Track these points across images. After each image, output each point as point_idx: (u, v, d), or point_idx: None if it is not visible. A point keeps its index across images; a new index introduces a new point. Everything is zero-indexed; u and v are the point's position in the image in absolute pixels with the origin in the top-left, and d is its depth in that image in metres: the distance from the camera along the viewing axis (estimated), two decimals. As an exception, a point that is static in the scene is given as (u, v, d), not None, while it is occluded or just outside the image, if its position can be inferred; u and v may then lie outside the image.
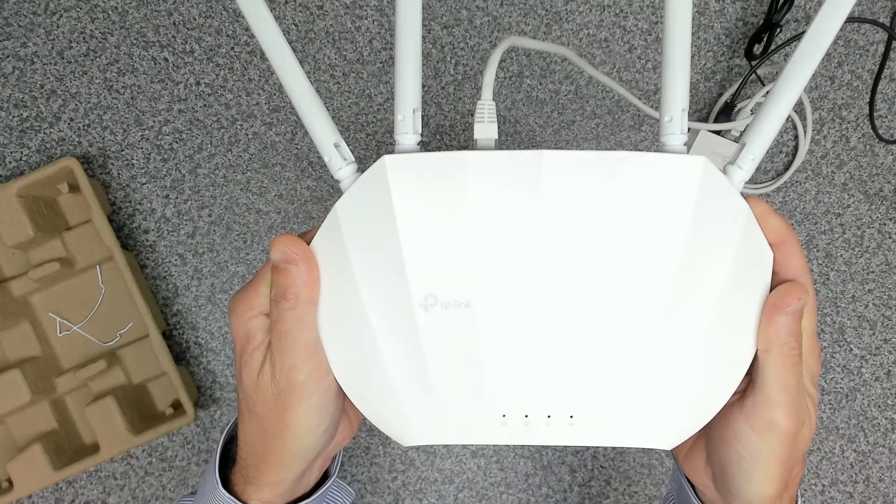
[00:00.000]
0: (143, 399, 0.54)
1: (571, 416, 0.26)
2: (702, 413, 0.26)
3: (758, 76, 0.54)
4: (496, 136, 0.27)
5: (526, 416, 0.26)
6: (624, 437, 0.26)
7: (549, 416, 0.26)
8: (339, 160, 0.26)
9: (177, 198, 0.55)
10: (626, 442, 0.26)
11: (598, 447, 0.56)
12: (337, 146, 0.26)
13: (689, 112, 0.56)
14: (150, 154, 0.55)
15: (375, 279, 0.25)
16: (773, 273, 0.25)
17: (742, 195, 0.25)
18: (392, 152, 0.25)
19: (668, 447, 0.26)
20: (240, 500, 0.28)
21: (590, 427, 0.26)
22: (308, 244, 0.26)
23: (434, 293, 0.25)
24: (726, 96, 0.54)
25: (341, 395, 0.28)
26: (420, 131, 0.26)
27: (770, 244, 0.25)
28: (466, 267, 0.24)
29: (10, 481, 0.50)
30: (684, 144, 0.25)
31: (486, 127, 0.28)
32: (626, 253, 0.24)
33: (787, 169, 0.56)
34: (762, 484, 0.26)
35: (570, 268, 0.24)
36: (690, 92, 0.56)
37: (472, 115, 0.55)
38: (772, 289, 0.25)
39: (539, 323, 0.25)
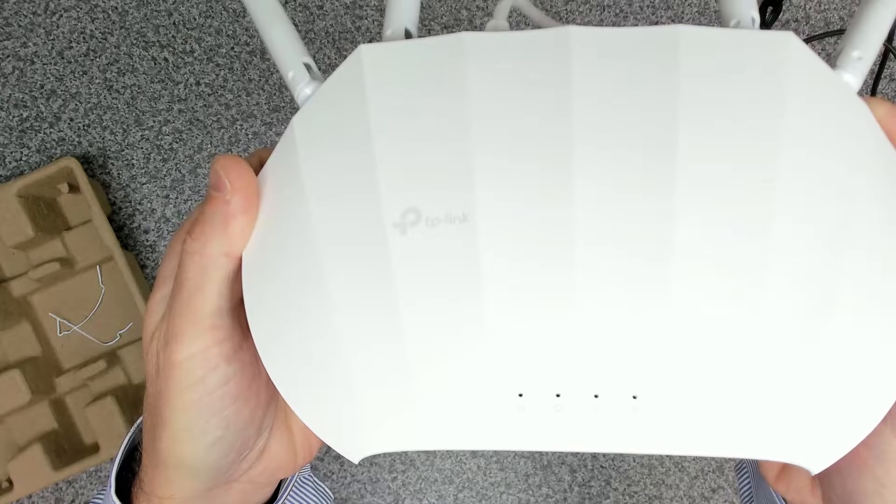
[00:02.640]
0: (143, 399, 0.54)
1: (635, 397, 0.15)
2: (862, 419, 0.16)
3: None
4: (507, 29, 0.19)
5: (557, 395, 0.15)
6: (725, 445, 0.16)
7: (595, 396, 0.15)
8: (304, 76, 0.19)
9: (177, 198, 0.55)
10: (732, 451, 0.16)
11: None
12: (308, 66, 0.19)
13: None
14: (150, 154, 0.55)
15: (334, 204, 0.17)
16: None
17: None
18: None
19: (815, 469, 0.16)
20: None
21: (663, 419, 0.15)
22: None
23: (415, 206, 0.16)
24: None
25: (253, 397, 0.20)
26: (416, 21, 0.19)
27: None
28: (465, 169, 0.16)
29: (10, 481, 0.50)
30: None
31: (497, 23, 0.20)
32: (718, 152, 0.16)
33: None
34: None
35: (615, 178, 0.15)
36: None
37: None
38: None
39: (579, 246, 0.15)
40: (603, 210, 0.15)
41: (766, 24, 0.50)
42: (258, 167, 0.19)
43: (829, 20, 0.56)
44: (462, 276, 0.16)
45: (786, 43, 0.17)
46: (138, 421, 0.23)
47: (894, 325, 0.16)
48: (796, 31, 0.55)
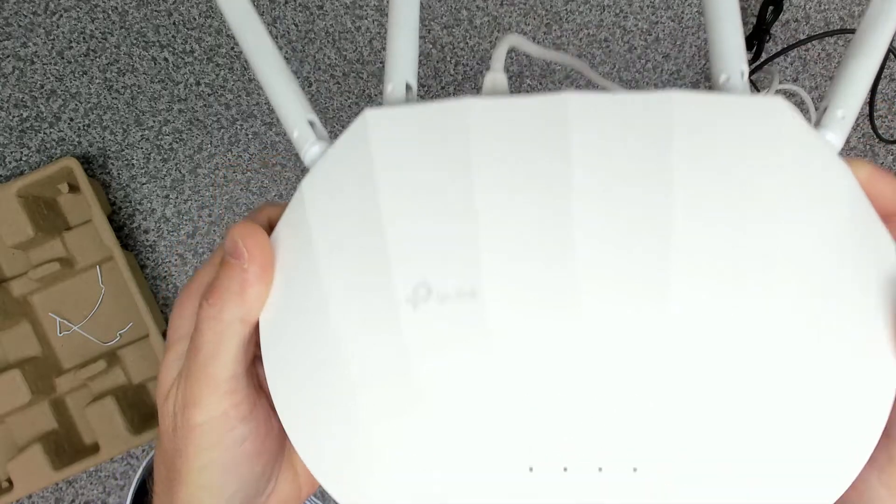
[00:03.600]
0: (143, 399, 0.54)
1: (635, 470, 0.16)
2: (844, 469, 0.17)
3: (752, 83, 0.54)
4: (506, 86, 0.21)
5: (565, 469, 0.16)
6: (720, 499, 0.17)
7: (600, 469, 0.16)
8: (310, 136, 0.19)
9: (177, 198, 0.55)
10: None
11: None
12: (311, 124, 0.20)
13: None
14: (150, 154, 0.55)
15: (346, 273, 0.17)
16: None
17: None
18: None
19: None
20: None
21: (658, 483, 0.16)
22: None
23: (426, 280, 0.17)
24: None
25: (266, 451, 0.20)
26: (415, 84, 0.20)
27: (884, 218, 0.18)
28: (472, 242, 0.16)
29: (10, 481, 0.50)
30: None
31: (495, 76, 0.21)
32: (703, 226, 0.16)
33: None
34: None
35: (615, 242, 0.16)
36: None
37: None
38: None
39: (581, 324, 0.16)
40: (605, 287, 0.16)
41: (767, 24, 0.50)
42: (266, 225, 0.20)
43: (829, 20, 0.56)
44: (472, 353, 0.16)
45: (773, 111, 0.17)
46: (145, 462, 0.24)
47: (869, 374, 0.17)
48: (796, 31, 0.55)
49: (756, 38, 0.52)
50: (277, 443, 0.21)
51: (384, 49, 0.55)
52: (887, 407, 0.17)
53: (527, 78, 0.56)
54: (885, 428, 0.18)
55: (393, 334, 0.17)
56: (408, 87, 0.19)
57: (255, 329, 0.19)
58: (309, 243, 0.18)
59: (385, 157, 0.17)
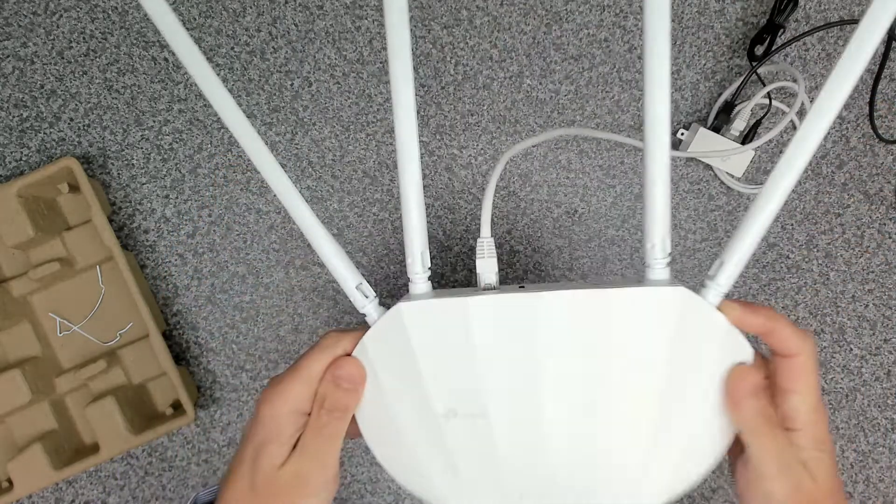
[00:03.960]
0: (143, 399, 0.54)
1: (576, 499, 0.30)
2: (681, 484, 0.30)
3: (758, 76, 0.54)
4: (496, 270, 0.34)
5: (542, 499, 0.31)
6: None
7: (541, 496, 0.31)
8: (361, 299, 0.30)
9: (177, 198, 0.55)
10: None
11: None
12: (358, 286, 0.30)
13: (688, 111, 0.56)
14: (150, 154, 0.55)
15: (403, 395, 0.30)
16: (775, 355, 0.28)
17: (724, 298, 0.29)
18: (406, 291, 0.34)
19: None
20: None
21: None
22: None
23: (453, 408, 0.30)
24: (726, 95, 0.54)
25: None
26: (429, 265, 0.31)
27: (760, 335, 0.28)
28: (478, 386, 0.29)
29: (10, 481, 0.50)
30: (667, 266, 0.29)
31: (486, 262, 0.34)
32: (614, 373, 0.28)
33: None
34: None
35: (566, 387, 0.29)
36: (691, 92, 0.56)
37: (471, 114, 0.55)
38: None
39: (542, 427, 0.29)
40: (552, 416, 0.30)
41: (784, 17, 0.51)
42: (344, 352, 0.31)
43: (829, 20, 0.56)
44: (485, 444, 0.30)
45: (675, 299, 0.28)
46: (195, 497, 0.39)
47: (695, 440, 0.29)
48: (795, 30, 0.55)
49: (768, 32, 0.52)
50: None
51: (384, 49, 0.55)
52: (718, 451, 0.29)
53: (526, 77, 0.56)
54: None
55: (438, 434, 0.30)
56: (422, 253, 0.30)
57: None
58: (379, 385, 0.30)
59: (417, 338, 0.29)
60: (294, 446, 0.30)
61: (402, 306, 0.29)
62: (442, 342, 0.29)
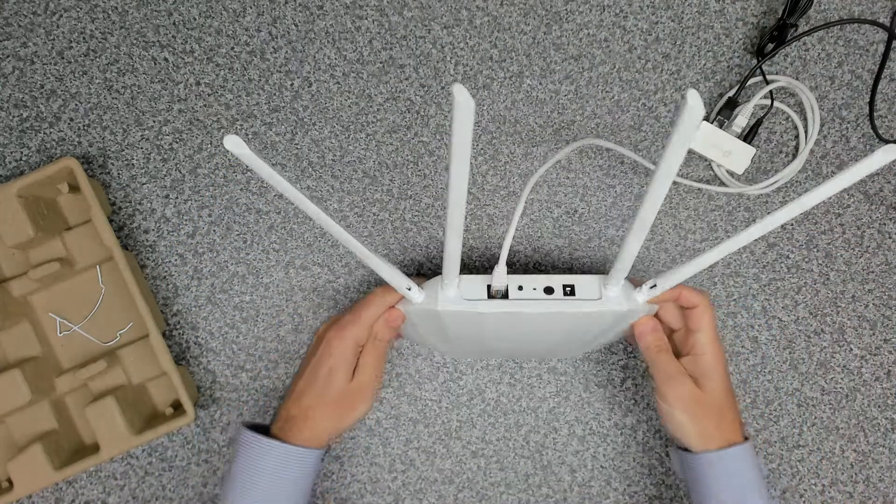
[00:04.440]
0: (143, 399, 0.54)
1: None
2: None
3: (762, 72, 0.54)
4: (506, 283, 0.42)
5: (516, 363, 0.55)
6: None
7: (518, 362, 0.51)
8: (411, 294, 0.42)
9: (177, 198, 0.55)
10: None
11: (597, 450, 0.56)
12: (409, 288, 0.41)
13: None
14: (150, 154, 0.55)
15: (430, 333, 0.47)
16: (684, 309, 0.44)
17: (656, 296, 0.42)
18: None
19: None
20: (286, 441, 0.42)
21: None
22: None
23: (462, 339, 0.47)
24: (731, 92, 0.54)
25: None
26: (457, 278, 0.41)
27: (674, 301, 0.43)
28: (483, 337, 0.46)
29: (10, 481, 0.50)
30: (620, 283, 0.41)
31: (499, 274, 0.41)
32: (577, 328, 0.44)
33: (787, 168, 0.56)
34: (693, 444, 0.42)
35: (542, 337, 0.46)
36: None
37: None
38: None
39: (520, 346, 0.49)
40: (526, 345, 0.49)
41: (798, 16, 0.51)
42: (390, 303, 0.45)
43: (829, 20, 0.56)
44: (474, 343, 0.49)
45: (622, 309, 0.41)
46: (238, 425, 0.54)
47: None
48: (795, 30, 0.55)
49: (778, 30, 0.52)
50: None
51: (384, 49, 0.55)
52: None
53: (526, 77, 0.56)
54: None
55: (445, 329, 0.44)
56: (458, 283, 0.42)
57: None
58: (414, 324, 0.46)
59: (449, 317, 0.42)
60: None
61: (440, 308, 0.41)
62: (463, 323, 0.43)
